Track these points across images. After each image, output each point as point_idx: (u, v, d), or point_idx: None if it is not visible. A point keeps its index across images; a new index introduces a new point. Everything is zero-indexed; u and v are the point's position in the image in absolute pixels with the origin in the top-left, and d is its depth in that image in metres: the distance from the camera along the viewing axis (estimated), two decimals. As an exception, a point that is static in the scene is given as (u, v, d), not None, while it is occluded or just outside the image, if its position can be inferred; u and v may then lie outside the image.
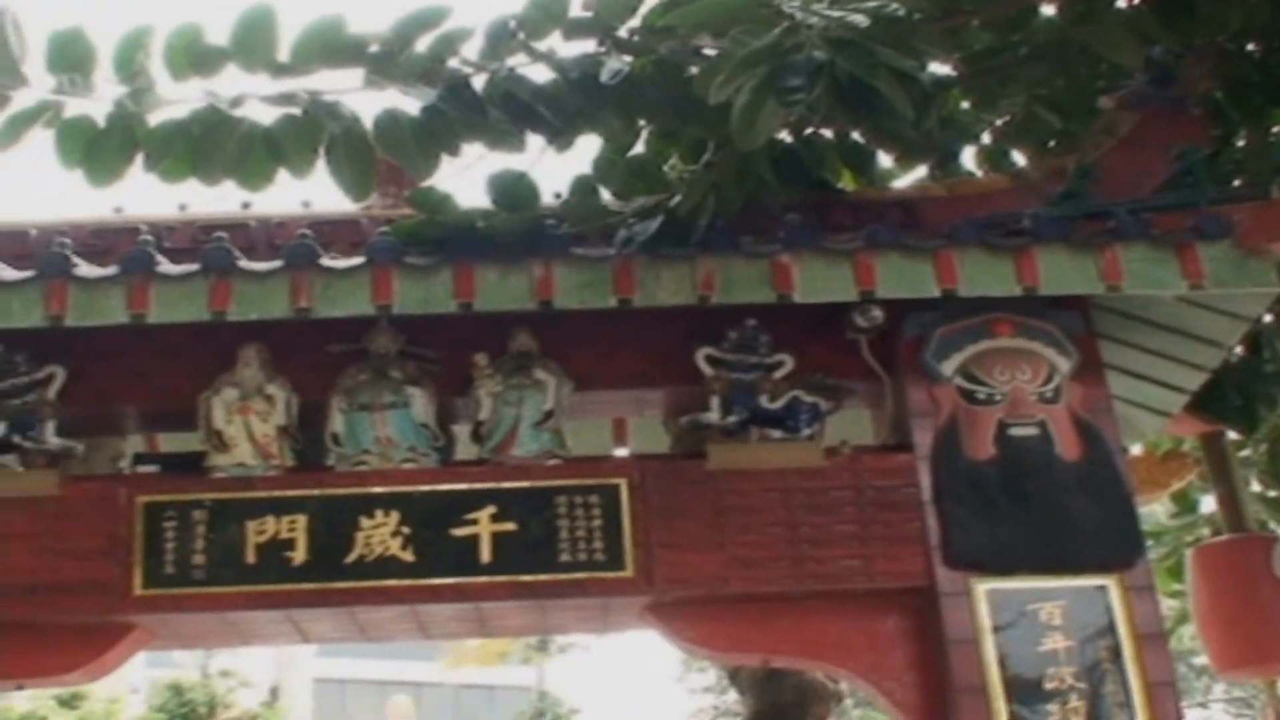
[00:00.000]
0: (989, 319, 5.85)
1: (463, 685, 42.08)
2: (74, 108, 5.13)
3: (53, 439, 5.75)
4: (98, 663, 5.68)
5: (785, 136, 5.73)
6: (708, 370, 5.83)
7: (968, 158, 6.41)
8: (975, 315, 5.84)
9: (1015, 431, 5.70)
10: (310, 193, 6.30)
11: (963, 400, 5.78)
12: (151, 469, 6.17)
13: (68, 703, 23.43)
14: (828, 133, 5.83)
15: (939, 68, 5.15)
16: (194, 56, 5.07)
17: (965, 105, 5.80)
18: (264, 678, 33.26)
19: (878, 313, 5.70)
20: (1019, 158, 6.41)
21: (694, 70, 4.93)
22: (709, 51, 4.84)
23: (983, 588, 5.51)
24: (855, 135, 5.73)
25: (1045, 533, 5.55)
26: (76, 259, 5.62)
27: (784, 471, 5.76)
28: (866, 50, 4.18)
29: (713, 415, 5.78)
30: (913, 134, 4.74)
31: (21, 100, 5.06)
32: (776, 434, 5.83)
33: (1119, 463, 5.76)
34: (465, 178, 5.53)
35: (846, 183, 6.20)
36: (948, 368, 5.81)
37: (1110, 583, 5.53)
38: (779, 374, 5.84)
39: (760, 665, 8.16)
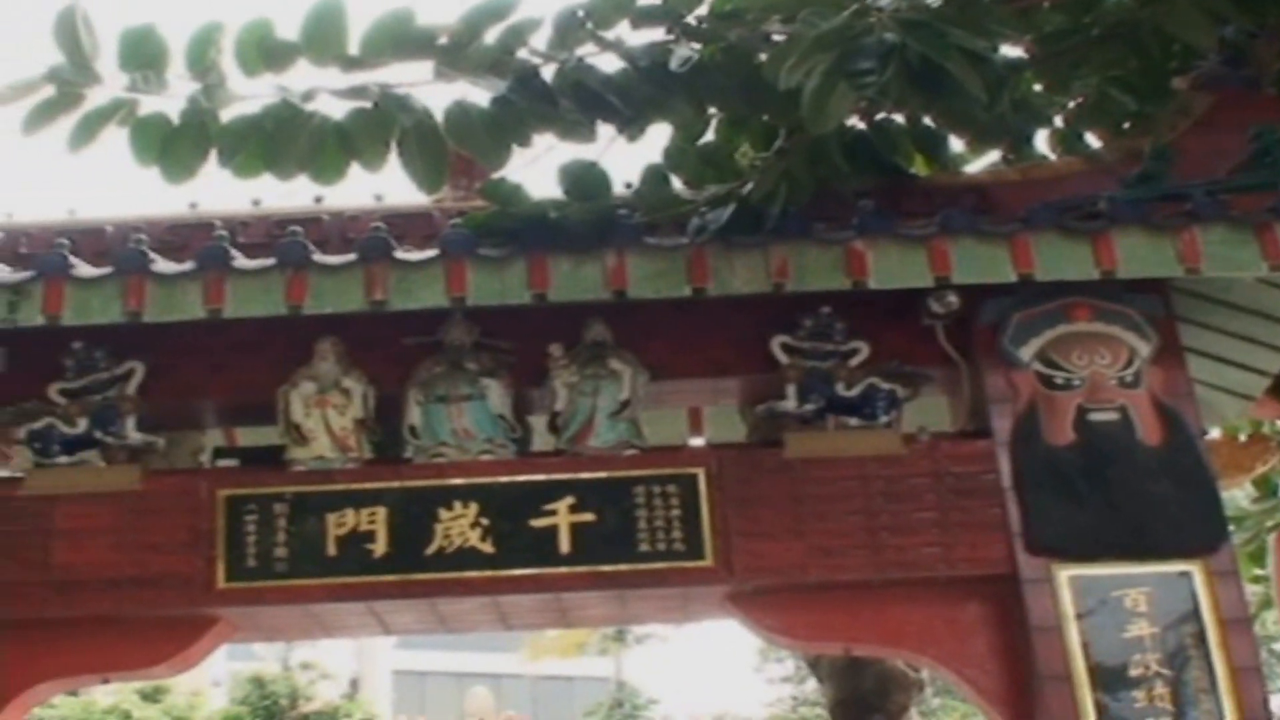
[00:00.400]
0: (1066, 303, 5.82)
1: (541, 676, 42.26)
2: (148, 105, 5.19)
3: (134, 434, 5.87)
4: (182, 656, 5.81)
5: (857, 122, 5.72)
6: (783, 358, 5.85)
7: (1041, 141, 6.38)
8: (1052, 300, 5.82)
9: (1095, 417, 5.68)
10: (382, 185, 6.38)
11: (1041, 386, 5.76)
12: (231, 463, 6.30)
13: (150, 696, 23.77)
14: (899, 117, 5.81)
15: (1011, 50, 5.12)
16: (265, 52, 5.13)
17: (1037, 88, 5.76)
18: (344, 670, 33.57)
19: (953, 298, 5.70)
20: (1093, 140, 6.36)
21: (763, 56, 4.94)
22: (778, 37, 4.84)
23: (1065, 574, 5.50)
24: (927, 120, 5.70)
25: (1127, 519, 5.53)
26: (153, 255, 5.73)
27: (862, 459, 5.78)
28: (938, 31, 4.17)
29: (789, 404, 5.81)
30: (985, 117, 4.72)
31: (95, 98, 5.13)
32: (853, 422, 5.85)
33: (1200, 447, 5.73)
34: (535, 168, 5.59)
35: (919, 168, 6.19)
36: (1025, 353, 5.79)
37: (1194, 568, 5.51)
38: (855, 361, 5.86)
39: (841, 654, 8.16)
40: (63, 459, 5.87)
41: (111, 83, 5.11)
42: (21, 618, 5.69)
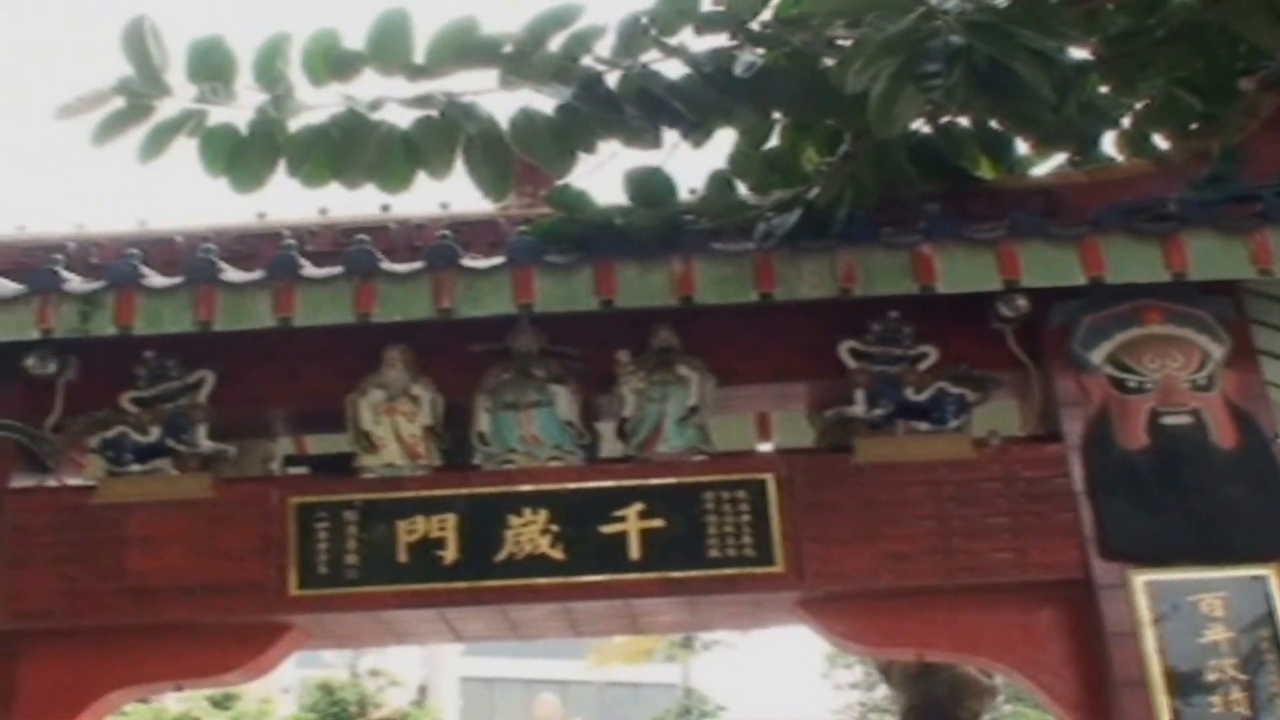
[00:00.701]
0: (1137, 306, 5.82)
1: (609, 683, 42.31)
2: (216, 116, 5.27)
3: (205, 442, 5.99)
4: (256, 663, 5.92)
5: (922, 126, 5.72)
6: (851, 363, 5.89)
7: (1108, 143, 6.34)
8: (1123, 303, 5.81)
9: (1169, 420, 5.68)
10: (448, 194, 6.45)
11: (1113, 389, 5.77)
12: (302, 470, 6.40)
13: (221, 704, 23.96)
14: (965, 121, 5.80)
15: (1076, 52, 5.10)
16: (331, 62, 5.19)
17: (1104, 89, 5.73)
18: (412, 677, 33.78)
19: (1022, 302, 5.71)
20: (1160, 141, 6.32)
21: (828, 61, 4.96)
22: (842, 41, 4.85)
23: (1140, 579, 5.50)
24: (993, 122, 5.69)
25: (1202, 523, 5.52)
26: (223, 265, 5.84)
27: (932, 464, 5.80)
28: (1005, 33, 4.18)
29: (858, 408, 5.84)
30: (1052, 119, 4.70)
31: (164, 110, 5.20)
32: (923, 426, 5.87)
33: (1275, 450, 5.70)
34: (599, 175, 5.62)
35: (985, 171, 6.19)
36: (1096, 356, 5.79)
37: (1269, 572, 5.49)
38: (923, 366, 5.88)
39: (914, 660, 8.14)
40: (135, 467, 5.99)
41: (180, 94, 5.17)
42: (96, 625, 5.81)
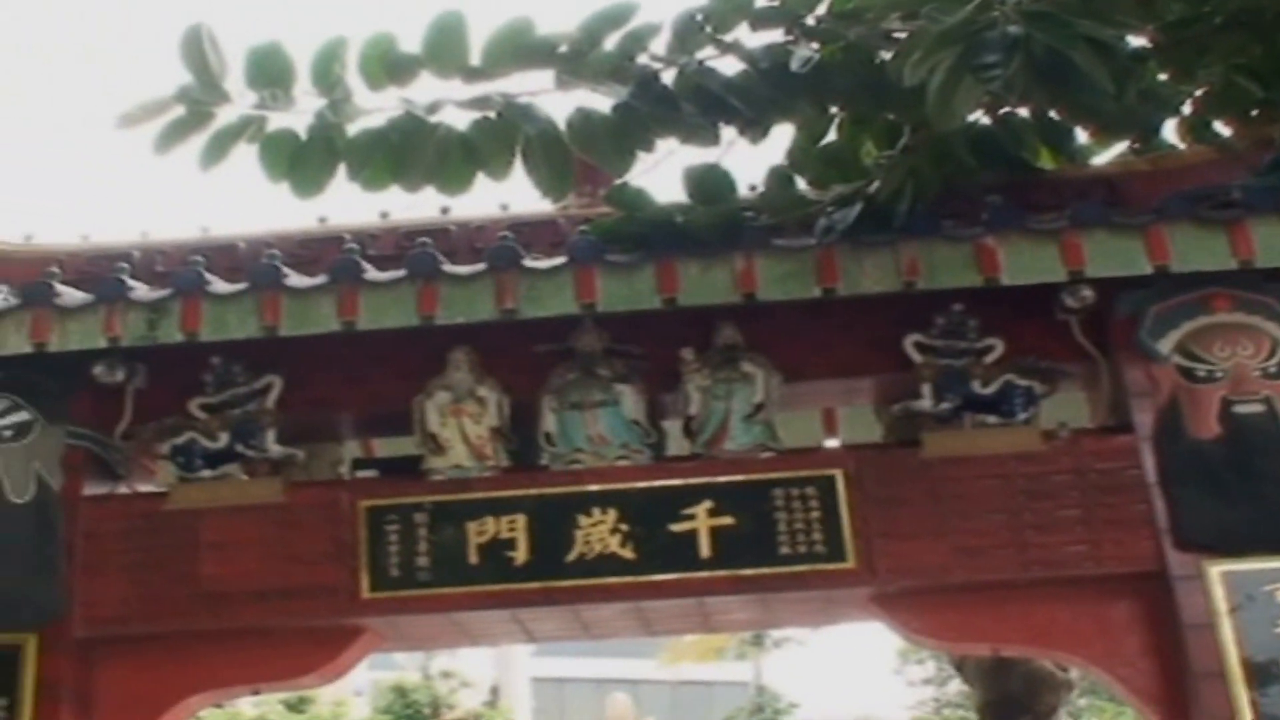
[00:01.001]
0: (1205, 294, 5.81)
1: (680, 682, 42.33)
2: (275, 121, 5.34)
3: (274, 447, 6.10)
4: (331, 666, 6.02)
5: (982, 117, 5.72)
6: (917, 357, 5.92)
7: (1169, 130, 6.31)
8: (1190, 291, 5.80)
9: (1241, 409, 5.66)
10: (507, 195, 6.51)
11: (1183, 379, 5.76)
12: (370, 474, 6.50)
13: (295, 707, 24.20)
14: (1024, 111, 5.79)
15: (1134, 40, 5.07)
16: (389, 65, 5.25)
17: (1163, 77, 5.70)
18: (484, 678, 33.96)
19: (1088, 292, 5.71)
20: (1221, 128, 6.28)
21: (885, 54, 4.97)
22: (899, 34, 4.86)
23: (1216, 570, 5.49)
24: (1052, 112, 5.67)
25: (1278, 512, 5.50)
26: (286, 270, 5.94)
27: (1002, 457, 5.82)
28: (1063, 22, 4.18)
29: (925, 403, 5.87)
30: (1112, 108, 4.69)
31: (224, 117, 5.27)
32: (991, 419, 5.89)
33: (1349, 438, 5.66)
34: (657, 173, 5.66)
35: (1046, 161, 6.18)
36: (1165, 346, 5.79)
37: (1346, 559, 5.46)
38: (990, 358, 5.90)
39: (988, 655, 8.14)
40: (205, 473, 6.12)
41: (239, 101, 5.24)
42: (172, 630, 5.94)
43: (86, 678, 5.93)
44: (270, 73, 5.24)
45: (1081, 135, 6.19)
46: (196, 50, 5.24)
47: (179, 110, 5.19)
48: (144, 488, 6.43)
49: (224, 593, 5.88)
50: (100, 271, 6.27)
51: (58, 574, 5.93)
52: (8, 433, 6.12)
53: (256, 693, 6.60)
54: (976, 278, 5.63)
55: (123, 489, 6.32)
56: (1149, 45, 5.22)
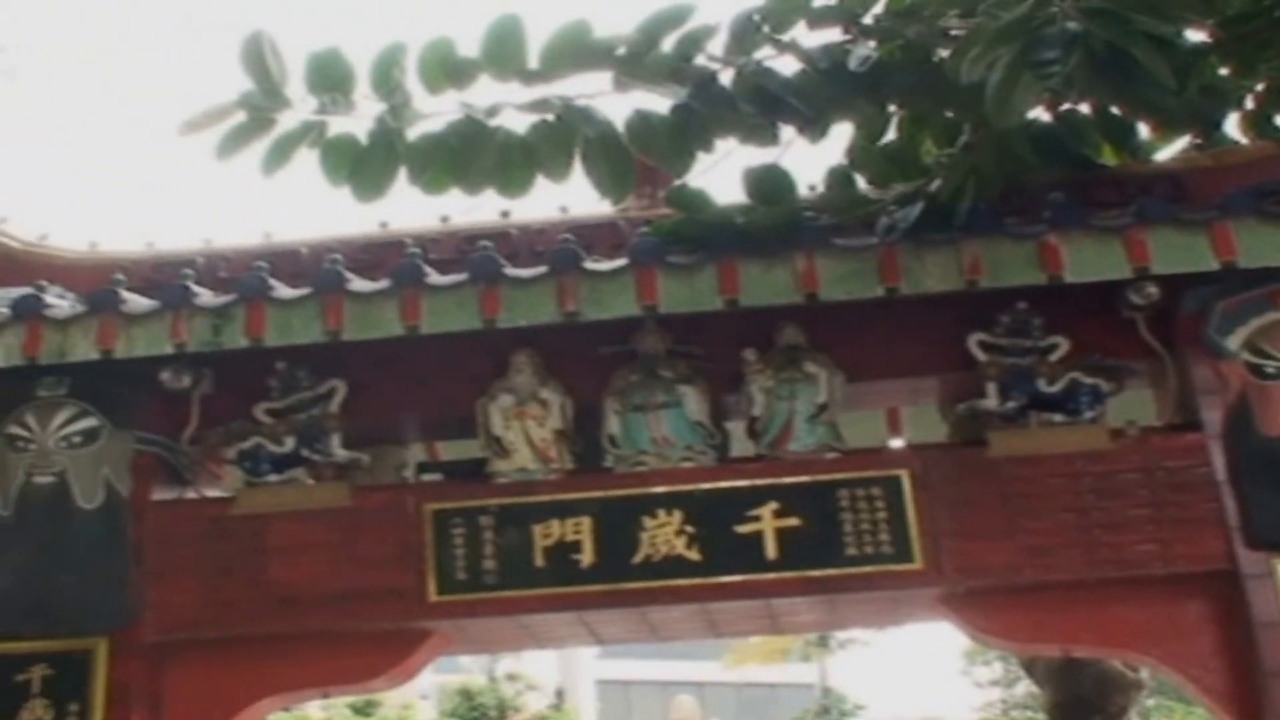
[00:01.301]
0: (1273, 290, 5.79)
1: (745, 684, 42.30)
2: (336, 126, 5.39)
3: (340, 451, 6.19)
4: (400, 669, 6.10)
5: (1042, 114, 5.71)
6: (981, 356, 5.93)
7: (1231, 125, 6.27)
8: (1257, 287, 5.78)
9: (1311, 405, 5.62)
10: (566, 197, 6.57)
11: (1251, 375, 5.75)
12: (435, 477, 6.54)
13: (362, 710, 24.40)
14: (1084, 107, 5.77)
15: (1194, 35, 5.05)
16: (447, 69, 5.30)
17: (1224, 72, 5.67)
18: (549, 680, 34.10)
19: (1153, 289, 5.70)
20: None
21: (943, 52, 4.98)
22: (956, 32, 4.87)
23: (1288, 568, 5.45)
24: (1113, 109, 5.66)
25: (1350, 508, 5.46)
26: (349, 275, 6.01)
27: (1069, 456, 5.82)
28: (1122, 18, 4.18)
29: (991, 402, 5.89)
30: (1173, 103, 4.67)
31: (285, 123, 5.33)
32: (1057, 418, 5.90)
33: None
34: (715, 174, 5.68)
35: (1108, 158, 6.17)
36: (1232, 342, 5.77)
37: None
38: (1055, 357, 5.91)
39: (1058, 656, 8.12)
40: (272, 477, 6.22)
41: (300, 106, 5.30)
42: (241, 634, 6.04)
43: (157, 682, 6.04)
44: (330, 78, 5.30)
45: (1143, 131, 6.18)
46: (257, 57, 5.30)
47: (241, 116, 5.25)
48: (211, 492, 6.52)
49: (292, 597, 5.97)
50: (165, 278, 6.39)
51: (127, 579, 6.04)
52: (77, 439, 6.22)
53: (326, 695, 6.68)
54: (1040, 276, 5.63)
55: (190, 494, 6.42)
56: (1209, 40, 5.20)
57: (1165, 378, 5.96)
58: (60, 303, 6.16)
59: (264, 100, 5.29)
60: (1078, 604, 5.77)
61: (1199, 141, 6.34)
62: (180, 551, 6.12)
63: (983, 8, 4.53)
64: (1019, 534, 5.74)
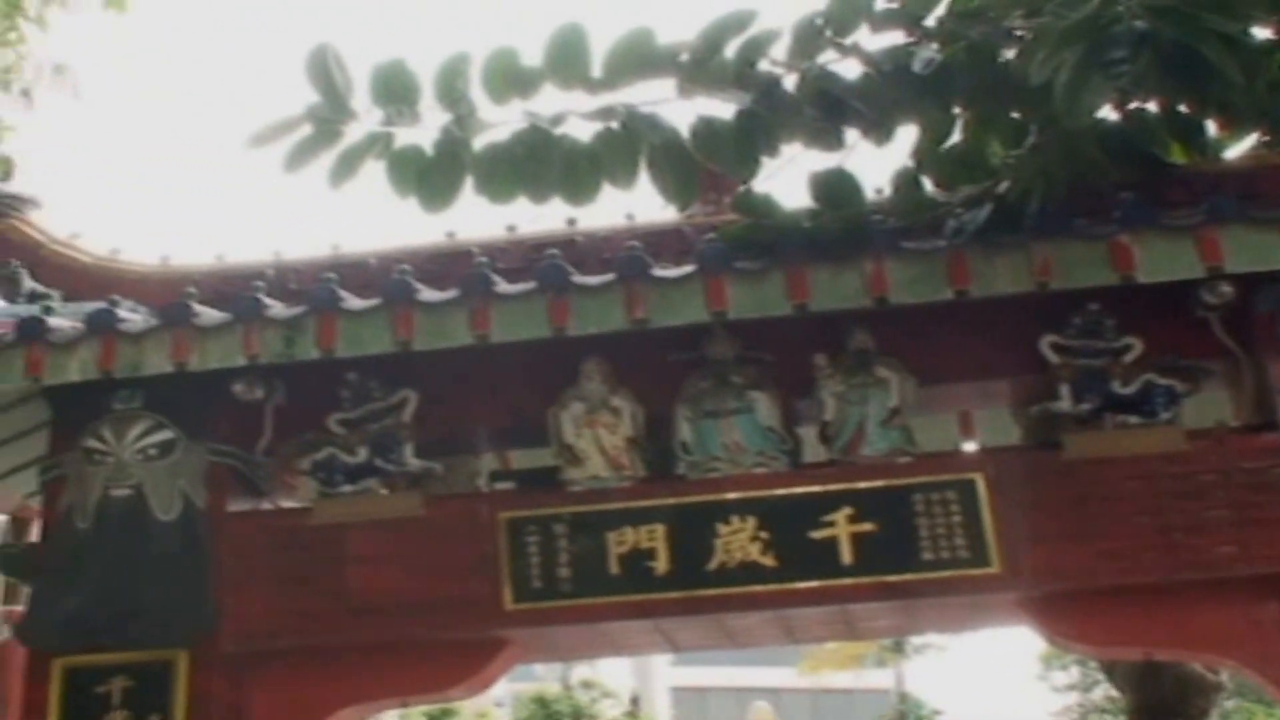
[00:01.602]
0: (1349, 287, 5.73)
1: (821, 690, 42.21)
2: (402, 137, 5.40)
3: (413, 461, 6.27)
4: (478, 678, 6.18)
5: (1110, 113, 5.69)
6: (1053, 358, 5.93)
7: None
8: (1332, 284, 5.73)
9: (1391, 404, 5.59)
10: (631, 205, 6.61)
11: (1328, 373, 5.69)
12: (508, 485, 6.65)
13: (438, 718, 24.59)
14: (1152, 106, 5.75)
15: (1262, 31, 5.02)
16: (511, 79, 5.32)
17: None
18: (623, 687, 34.19)
19: (1227, 288, 5.68)
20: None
21: (1008, 53, 4.98)
22: (1021, 32, 4.87)
23: (1370, 567, 5.42)
24: (1181, 107, 5.63)
25: None
26: (418, 285, 6.09)
27: (1145, 458, 5.80)
28: (1189, 16, 4.18)
29: (1064, 404, 5.88)
30: (1242, 101, 4.66)
31: (352, 134, 5.34)
32: (1132, 420, 5.87)
33: None
34: (779, 178, 5.68)
35: (1177, 157, 6.14)
36: (1308, 340, 5.73)
37: None
38: (1128, 358, 5.90)
39: (1139, 659, 8.08)
40: (346, 488, 6.29)
41: (366, 118, 5.32)
42: (320, 644, 6.12)
43: (237, 693, 6.11)
44: (395, 89, 5.31)
45: (1212, 129, 6.14)
46: (323, 69, 5.35)
47: (307, 129, 5.27)
48: (286, 503, 6.63)
49: (370, 606, 6.03)
50: (235, 291, 6.45)
51: (206, 590, 6.13)
52: (152, 452, 6.32)
53: (405, 705, 6.74)
54: (1111, 276, 5.63)
55: (266, 505, 6.53)
56: (1277, 37, 5.17)
57: (1241, 377, 5.94)
58: (133, 317, 6.29)
59: (330, 112, 5.31)
60: (1157, 607, 5.75)
61: (1268, 139, 6.30)
62: (257, 562, 6.22)
63: (1049, 8, 4.53)
64: (1096, 537, 5.73)
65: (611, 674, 32.14)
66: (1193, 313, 5.87)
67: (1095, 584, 5.73)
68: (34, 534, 7.56)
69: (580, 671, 30.22)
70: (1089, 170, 5.66)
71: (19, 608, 7.18)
